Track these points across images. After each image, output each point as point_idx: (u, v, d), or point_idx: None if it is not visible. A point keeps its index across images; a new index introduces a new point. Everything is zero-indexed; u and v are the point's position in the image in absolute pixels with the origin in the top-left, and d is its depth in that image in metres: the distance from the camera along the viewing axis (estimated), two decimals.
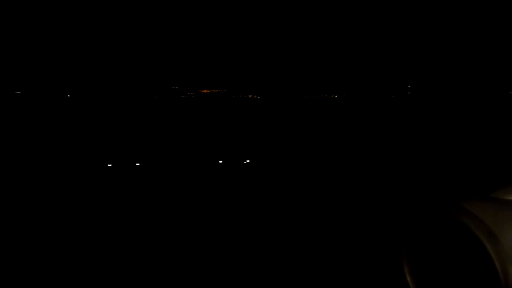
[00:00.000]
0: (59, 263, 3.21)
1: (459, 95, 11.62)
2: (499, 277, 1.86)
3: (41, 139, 9.28)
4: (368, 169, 6.68)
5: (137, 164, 7.09)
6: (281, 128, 11.20)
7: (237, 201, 4.83)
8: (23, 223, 4.17)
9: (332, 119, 12.66)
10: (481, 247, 1.88)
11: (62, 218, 4.26)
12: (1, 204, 4.77)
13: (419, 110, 11.27)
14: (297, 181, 5.94)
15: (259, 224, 4.02)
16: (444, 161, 7.02)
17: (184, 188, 5.56)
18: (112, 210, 4.57)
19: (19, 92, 10.78)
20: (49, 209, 4.56)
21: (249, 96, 13.28)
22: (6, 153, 7.72)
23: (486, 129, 9.94)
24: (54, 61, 10.83)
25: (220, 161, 7.16)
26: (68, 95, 10.81)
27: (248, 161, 7.27)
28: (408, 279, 2.10)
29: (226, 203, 4.76)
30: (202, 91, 12.08)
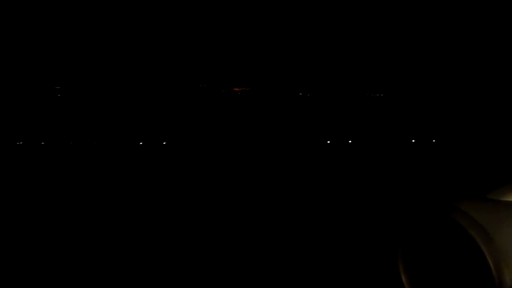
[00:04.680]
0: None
1: (456, 96, 11.33)
2: (493, 276, 1.87)
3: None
4: (366, 169, 6.66)
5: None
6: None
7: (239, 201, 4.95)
8: None
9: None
10: (476, 246, 1.90)
11: None
12: None
13: (415, 111, 11.07)
14: (299, 180, 6.00)
15: (259, 223, 4.10)
16: (439, 162, 6.93)
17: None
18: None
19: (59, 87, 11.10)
20: None
21: (300, 94, 12.81)
22: None
23: (481, 130, 9.74)
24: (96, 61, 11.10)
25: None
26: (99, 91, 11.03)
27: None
28: (403, 278, 2.13)
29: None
30: (234, 89, 11.91)
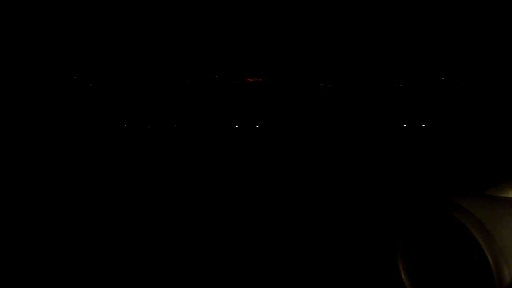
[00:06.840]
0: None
1: (454, 92, 11.16)
2: (492, 274, 1.86)
3: None
4: (364, 165, 6.62)
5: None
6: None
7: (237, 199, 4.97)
8: None
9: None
10: (475, 244, 1.89)
11: None
12: None
13: (414, 107, 10.95)
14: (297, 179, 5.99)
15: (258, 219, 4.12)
16: (438, 158, 6.88)
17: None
18: None
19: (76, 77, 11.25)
20: None
21: (321, 84, 12.36)
22: None
23: (481, 126, 9.64)
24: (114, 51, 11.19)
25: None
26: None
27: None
28: (403, 275, 2.13)
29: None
30: (248, 80, 11.74)
